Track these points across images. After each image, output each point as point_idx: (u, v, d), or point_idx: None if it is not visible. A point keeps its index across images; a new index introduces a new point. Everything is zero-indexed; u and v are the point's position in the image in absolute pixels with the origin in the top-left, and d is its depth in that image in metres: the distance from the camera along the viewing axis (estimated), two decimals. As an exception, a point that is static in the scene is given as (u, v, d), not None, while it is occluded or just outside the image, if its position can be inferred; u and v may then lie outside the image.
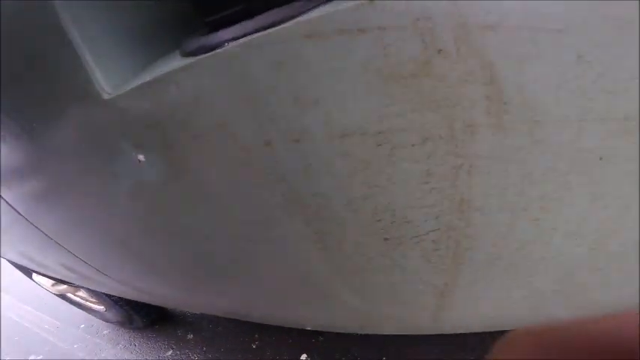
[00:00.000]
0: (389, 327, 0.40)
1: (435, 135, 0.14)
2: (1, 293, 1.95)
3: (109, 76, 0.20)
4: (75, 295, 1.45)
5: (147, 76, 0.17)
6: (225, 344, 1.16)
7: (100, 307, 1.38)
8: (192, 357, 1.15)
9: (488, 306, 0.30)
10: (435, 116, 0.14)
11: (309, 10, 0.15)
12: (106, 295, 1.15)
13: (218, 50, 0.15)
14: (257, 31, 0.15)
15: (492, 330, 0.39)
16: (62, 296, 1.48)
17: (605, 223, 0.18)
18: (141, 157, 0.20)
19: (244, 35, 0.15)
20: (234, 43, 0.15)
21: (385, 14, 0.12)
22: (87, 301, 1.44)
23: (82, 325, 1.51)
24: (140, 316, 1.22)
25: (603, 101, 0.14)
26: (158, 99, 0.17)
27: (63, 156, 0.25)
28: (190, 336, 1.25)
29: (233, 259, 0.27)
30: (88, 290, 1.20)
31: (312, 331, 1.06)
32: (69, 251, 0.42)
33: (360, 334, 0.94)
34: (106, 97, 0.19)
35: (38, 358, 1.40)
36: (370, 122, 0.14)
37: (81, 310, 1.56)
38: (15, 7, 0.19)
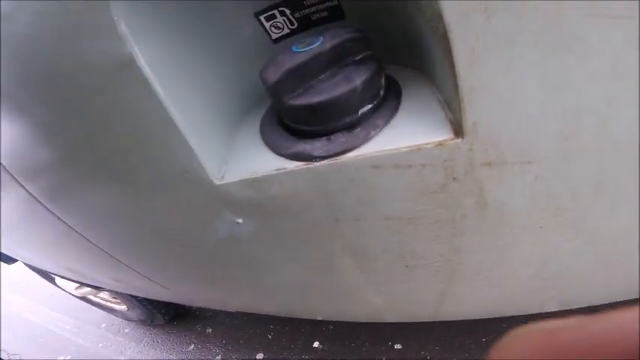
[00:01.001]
0: (399, 317, 0.49)
1: (443, 219, 0.23)
2: (19, 297, 1.98)
3: (213, 163, 0.28)
4: (96, 297, 1.51)
5: (251, 171, 0.25)
6: (243, 336, 1.23)
7: (122, 307, 1.43)
8: (214, 350, 1.22)
9: (473, 303, 0.40)
10: (445, 211, 0.23)
11: (370, 139, 0.24)
12: (131, 295, 1.22)
13: (310, 165, 0.23)
14: (337, 154, 0.23)
15: (478, 317, 0.49)
16: (83, 298, 1.54)
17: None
18: (240, 220, 0.28)
19: (328, 156, 0.23)
20: (322, 162, 0.23)
21: (426, 156, 0.21)
22: (108, 301, 1.49)
23: (103, 325, 1.56)
24: (161, 314, 1.29)
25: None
26: (262, 189, 0.25)
27: (159, 213, 0.33)
28: (209, 330, 1.32)
29: (291, 281, 0.36)
30: (112, 292, 1.27)
31: (323, 321, 1.15)
32: (134, 270, 0.50)
33: (366, 324, 1.03)
34: (217, 183, 0.26)
35: (67, 358, 1.45)
36: (405, 212, 0.23)
37: (100, 310, 1.62)
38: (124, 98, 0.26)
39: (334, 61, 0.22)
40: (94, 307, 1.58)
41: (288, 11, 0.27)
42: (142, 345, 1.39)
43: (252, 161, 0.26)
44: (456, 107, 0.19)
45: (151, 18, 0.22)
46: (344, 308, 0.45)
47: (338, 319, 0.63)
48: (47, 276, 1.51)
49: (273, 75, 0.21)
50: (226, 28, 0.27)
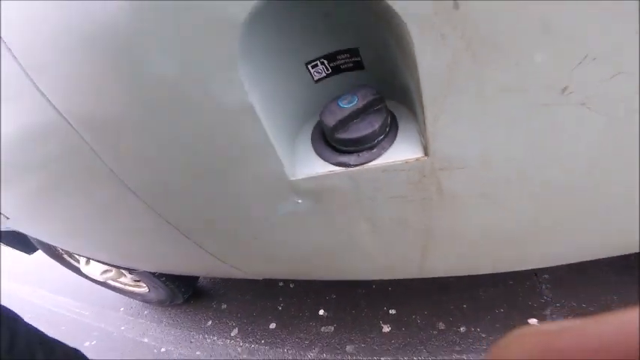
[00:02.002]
0: (396, 274, 0.69)
1: (419, 198, 0.42)
2: (35, 288, 2.02)
3: (289, 167, 0.45)
4: (116, 281, 1.57)
5: (311, 172, 0.43)
6: (255, 309, 1.36)
7: (143, 290, 1.48)
8: (230, 323, 1.35)
9: (449, 261, 0.60)
10: (420, 193, 0.42)
11: (381, 155, 0.42)
12: (155, 276, 1.33)
13: (348, 169, 0.41)
14: (363, 164, 0.41)
15: (457, 274, 0.69)
16: (103, 283, 1.54)
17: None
18: (299, 200, 0.46)
19: (358, 165, 0.41)
20: (355, 168, 0.40)
21: (410, 165, 0.39)
22: (128, 285, 1.57)
23: (122, 309, 1.64)
24: (182, 293, 1.40)
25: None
26: (318, 183, 0.42)
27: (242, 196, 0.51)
28: (224, 306, 1.44)
29: (326, 245, 0.56)
30: (138, 274, 1.37)
31: (326, 290, 1.32)
32: (210, 253, 0.68)
33: (365, 293, 1.21)
34: (291, 179, 0.44)
35: (92, 343, 1.50)
36: (400, 194, 0.42)
37: (117, 295, 1.62)
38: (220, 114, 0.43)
39: (363, 111, 0.40)
40: (110, 293, 1.62)
41: (326, 62, 0.44)
42: (163, 325, 1.50)
43: (311, 166, 0.44)
44: (426, 138, 0.37)
45: (261, 75, 0.39)
46: (360, 267, 0.65)
47: (355, 278, 0.82)
48: (68, 264, 1.55)
49: (331, 121, 0.38)
50: (289, 71, 0.43)
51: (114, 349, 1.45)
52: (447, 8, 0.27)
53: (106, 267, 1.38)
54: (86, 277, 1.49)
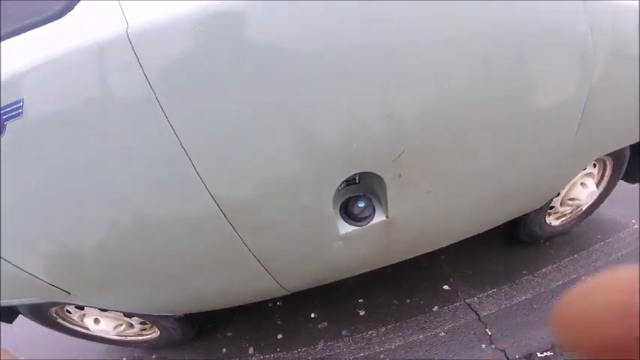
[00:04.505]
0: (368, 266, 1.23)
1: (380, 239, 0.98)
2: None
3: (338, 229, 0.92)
4: (122, 334, 1.54)
5: (345, 229, 0.92)
6: (258, 328, 1.63)
7: (152, 335, 1.56)
8: (243, 345, 1.54)
9: (412, 243, 1.17)
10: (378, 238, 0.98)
11: (371, 220, 0.95)
12: (175, 318, 1.43)
13: (360, 227, 0.93)
14: (366, 224, 0.94)
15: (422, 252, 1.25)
16: (101, 339, 1.54)
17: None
18: (340, 242, 0.96)
19: (363, 225, 0.93)
20: (362, 226, 0.92)
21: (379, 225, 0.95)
22: (135, 335, 1.58)
23: (124, 359, 1.66)
24: (192, 326, 1.53)
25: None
26: (348, 234, 0.93)
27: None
28: (229, 334, 1.65)
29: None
30: (151, 321, 1.44)
31: (310, 298, 1.64)
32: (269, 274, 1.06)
33: (340, 292, 1.70)
34: (340, 234, 0.91)
35: None
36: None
37: (109, 347, 1.63)
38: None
39: (366, 207, 0.92)
40: (99, 348, 1.64)
41: (344, 182, 0.95)
42: None
43: (344, 226, 0.94)
44: (387, 211, 0.93)
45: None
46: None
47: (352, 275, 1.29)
48: (64, 328, 1.48)
49: (356, 210, 0.90)
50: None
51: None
52: (394, 164, 0.82)
53: (117, 322, 1.45)
54: (91, 338, 1.52)
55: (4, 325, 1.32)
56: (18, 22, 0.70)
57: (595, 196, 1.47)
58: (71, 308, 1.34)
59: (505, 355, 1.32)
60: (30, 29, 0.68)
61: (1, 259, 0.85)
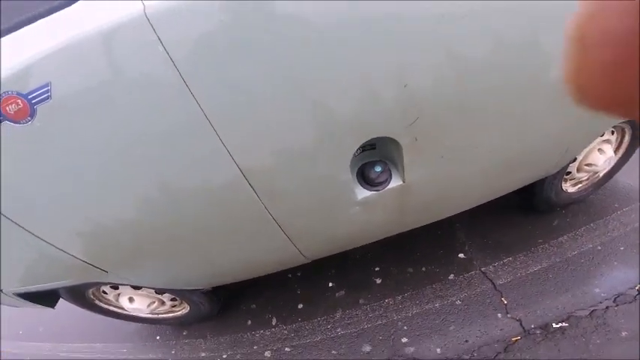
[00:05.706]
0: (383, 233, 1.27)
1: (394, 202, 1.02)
2: (54, 343, 1.88)
3: (355, 193, 0.96)
4: (154, 312, 1.61)
5: (363, 193, 0.95)
6: (280, 299, 1.70)
7: (182, 312, 1.63)
8: (266, 316, 1.63)
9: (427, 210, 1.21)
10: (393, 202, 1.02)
11: (388, 185, 0.98)
12: (203, 292, 1.49)
13: (376, 192, 0.96)
14: (382, 189, 0.98)
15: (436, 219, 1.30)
16: (135, 317, 1.62)
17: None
18: (357, 208, 1.00)
19: (379, 189, 0.97)
20: (379, 191, 0.97)
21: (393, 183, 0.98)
22: (166, 312, 1.64)
23: (158, 337, 1.74)
24: (218, 300, 1.60)
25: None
26: (365, 197, 0.96)
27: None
28: (253, 306, 1.73)
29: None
30: (180, 296, 1.50)
31: (325, 267, 1.70)
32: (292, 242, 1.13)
33: (353, 260, 1.74)
34: (357, 199, 0.94)
35: None
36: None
37: (141, 326, 1.74)
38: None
39: (382, 171, 0.95)
40: (131, 326, 1.73)
41: (361, 148, 0.99)
42: (209, 337, 1.62)
43: (361, 191, 0.98)
44: (403, 176, 0.95)
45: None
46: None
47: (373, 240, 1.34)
48: (100, 309, 1.56)
49: (373, 175, 0.94)
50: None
51: (178, 374, 1.47)
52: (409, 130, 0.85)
53: (150, 300, 1.52)
54: (126, 317, 1.60)
55: (45, 310, 1.38)
56: (37, 7, 0.73)
57: (612, 163, 1.46)
58: (107, 289, 1.41)
59: (521, 324, 1.33)
60: (48, 15, 0.71)
61: (46, 243, 0.91)
